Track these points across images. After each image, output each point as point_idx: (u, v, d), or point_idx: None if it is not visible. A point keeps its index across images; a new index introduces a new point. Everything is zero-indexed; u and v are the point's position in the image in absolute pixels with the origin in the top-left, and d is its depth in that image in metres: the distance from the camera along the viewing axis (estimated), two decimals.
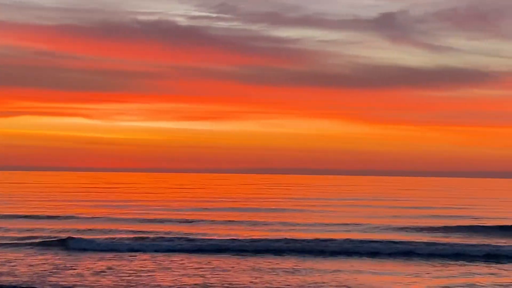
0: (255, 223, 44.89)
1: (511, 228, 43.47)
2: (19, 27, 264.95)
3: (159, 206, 61.61)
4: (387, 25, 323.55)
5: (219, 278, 24.91)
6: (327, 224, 44.89)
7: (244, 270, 26.93)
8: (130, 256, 30.31)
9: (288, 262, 29.21)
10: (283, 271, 26.89)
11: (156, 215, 50.20)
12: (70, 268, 26.75)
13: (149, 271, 26.36)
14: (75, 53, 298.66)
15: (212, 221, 46.15)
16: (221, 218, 48.36)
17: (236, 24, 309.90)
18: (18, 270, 26.04)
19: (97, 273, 25.56)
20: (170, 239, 34.66)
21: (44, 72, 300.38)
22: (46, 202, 64.78)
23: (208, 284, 23.73)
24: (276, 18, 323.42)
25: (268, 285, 23.86)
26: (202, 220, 46.42)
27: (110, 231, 38.60)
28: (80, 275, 25.17)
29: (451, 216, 53.90)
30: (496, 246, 34.06)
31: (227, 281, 24.43)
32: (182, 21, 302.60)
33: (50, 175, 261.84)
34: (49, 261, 28.58)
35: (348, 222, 46.22)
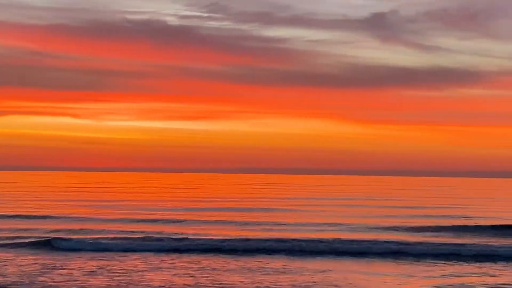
0: (246, 223, 44.81)
1: (502, 228, 43.51)
2: (8, 26, 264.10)
3: (149, 206, 61.45)
4: (378, 25, 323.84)
5: (209, 278, 24.83)
6: (317, 224, 44.84)
7: (234, 270, 26.85)
8: (121, 256, 30.20)
9: (278, 262, 29.14)
10: (274, 270, 26.82)
11: (146, 215, 50.07)
12: (60, 268, 26.63)
13: (139, 271, 26.26)
14: (64, 52, 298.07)
15: (203, 221, 46.05)
16: (212, 218, 48.26)
17: (226, 24, 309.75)
18: (8, 270, 25.89)
19: (87, 273, 25.45)
20: (161, 239, 34.57)
21: (33, 71, 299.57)
22: (35, 202, 64.56)
23: (199, 284, 23.64)
24: (266, 18, 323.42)
25: (258, 284, 23.78)
26: (193, 220, 46.32)
27: (101, 231, 38.44)
28: (70, 275, 25.05)
29: (441, 216, 53.91)
30: (487, 245, 34.07)
31: (218, 281, 24.35)
32: (172, 21, 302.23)
33: (39, 174, 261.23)
34: (38, 261, 28.45)
35: (339, 222, 46.19)
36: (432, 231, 41.83)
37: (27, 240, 34.25)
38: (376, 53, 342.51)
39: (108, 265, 27.42)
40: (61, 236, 35.20)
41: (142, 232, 37.86)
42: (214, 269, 27.06)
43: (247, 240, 34.36)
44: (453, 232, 41.77)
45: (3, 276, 24.64)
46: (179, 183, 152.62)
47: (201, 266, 27.79)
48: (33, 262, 28.13)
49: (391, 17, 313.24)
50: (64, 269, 26.40)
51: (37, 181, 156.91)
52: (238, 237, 35.36)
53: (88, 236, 35.82)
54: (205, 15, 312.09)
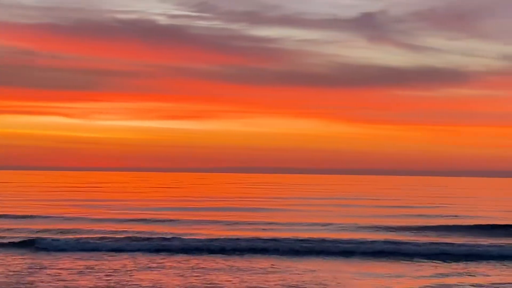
0: (236, 223, 44.74)
1: (491, 227, 43.56)
2: None
3: (139, 205, 61.33)
4: (367, 24, 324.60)
5: (199, 278, 24.77)
6: (308, 224, 44.80)
7: (224, 269, 26.79)
8: (109, 256, 30.10)
9: (268, 261, 29.09)
10: (263, 270, 26.78)
11: (136, 214, 49.96)
12: (47, 268, 26.48)
13: (128, 270, 26.16)
14: (54, 51, 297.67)
15: (193, 220, 45.97)
16: (202, 217, 48.18)
17: (216, 23, 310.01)
18: None
19: (75, 273, 25.32)
20: (150, 239, 34.48)
21: (23, 70, 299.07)
22: (23, 202, 64.31)
23: (188, 284, 23.56)
24: (256, 17, 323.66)
25: (247, 284, 23.72)
26: (183, 220, 46.23)
27: (90, 231, 38.34)
28: (57, 275, 24.92)
29: (431, 215, 53.94)
30: (477, 245, 34.08)
31: (207, 280, 24.28)
32: (162, 20, 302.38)
33: (30, 174, 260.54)
34: (25, 261, 28.32)
35: (329, 222, 46.15)
36: (422, 231, 41.85)
37: (11, 240, 34.04)
38: (365, 52, 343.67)
39: (96, 265, 27.31)
40: (45, 236, 35.00)
41: (131, 231, 37.76)
42: (203, 268, 26.99)
43: (237, 239, 34.29)
44: (443, 231, 41.81)
45: None
46: (169, 183, 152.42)
47: (190, 265, 27.73)
48: (19, 262, 27.98)
49: (380, 17, 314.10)
50: (52, 269, 26.28)
51: (27, 180, 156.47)
52: (227, 237, 35.29)
53: (76, 236, 35.68)
54: (194, 14, 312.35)
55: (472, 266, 28.81)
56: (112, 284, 23.32)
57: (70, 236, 35.53)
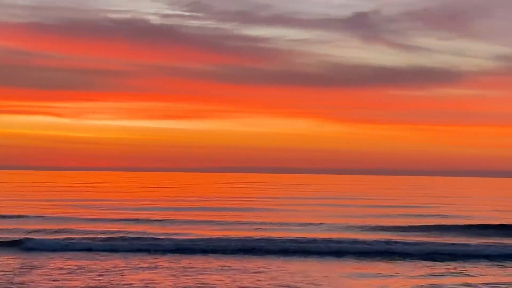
0: (228, 223, 44.70)
1: (484, 227, 43.58)
2: None
3: (131, 205, 61.22)
4: (359, 24, 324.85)
5: (191, 278, 24.70)
6: (300, 224, 44.75)
7: (215, 269, 26.73)
8: (101, 256, 30.04)
9: (259, 261, 29.05)
10: (255, 270, 26.72)
11: (128, 214, 49.86)
12: (38, 267, 26.38)
13: (119, 270, 26.07)
14: (45, 51, 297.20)
15: (185, 220, 45.89)
16: (194, 217, 48.12)
17: (208, 23, 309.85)
18: None
19: (66, 273, 25.22)
20: (141, 239, 34.36)
21: (13, 70, 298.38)
22: (15, 202, 64.14)
23: (180, 284, 23.50)
24: (248, 17, 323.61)
25: (239, 284, 23.65)
26: (175, 220, 46.15)
27: (81, 231, 38.22)
28: (49, 275, 24.82)
29: (424, 215, 53.97)
30: (469, 245, 34.08)
31: (199, 280, 24.22)
32: (154, 20, 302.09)
33: (20, 174, 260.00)
34: (14, 261, 28.20)
35: (322, 222, 46.11)
36: (415, 230, 41.84)
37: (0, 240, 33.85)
38: (358, 52, 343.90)
39: (88, 265, 27.22)
40: (36, 237, 34.79)
41: (123, 231, 37.66)
42: (195, 268, 26.93)
43: (229, 239, 34.23)
44: (435, 231, 41.82)
45: None
46: (162, 183, 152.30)
47: (182, 265, 27.67)
48: (8, 262, 27.85)
49: (372, 17, 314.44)
50: (43, 269, 26.17)
51: (18, 180, 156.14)
52: (220, 237, 35.22)
53: (67, 236, 35.53)
54: (187, 14, 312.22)
55: (464, 266, 28.79)
56: (104, 284, 23.24)
57: (61, 236, 35.39)
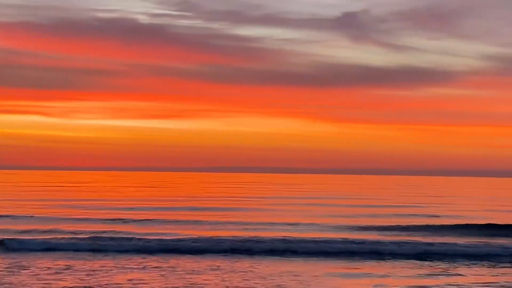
0: (217, 223, 44.63)
1: (475, 227, 43.62)
2: None
3: (118, 205, 61.06)
4: (349, 24, 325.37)
5: (180, 278, 24.62)
6: (290, 224, 44.70)
7: (204, 270, 26.66)
8: (89, 256, 29.91)
9: (248, 262, 29.00)
10: (244, 270, 26.65)
11: (116, 214, 49.72)
12: (26, 267, 26.23)
13: (108, 271, 25.96)
14: (33, 50, 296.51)
15: (173, 220, 45.78)
16: (182, 217, 48.01)
17: (197, 22, 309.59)
18: None
19: (54, 273, 25.09)
20: (129, 239, 34.21)
21: (2, 69, 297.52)
22: (1, 202, 63.84)
23: (169, 284, 23.41)
24: (238, 17, 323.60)
25: (228, 284, 23.57)
26: (163, 220, 46.03)
27: (69, 231, 38.03)
28: (36, 275, 24.69)
29: (413, 215, 54.00)
30: (457, 244, 34.09)
31: (188, 280, 24.15)
32: (143, 19, 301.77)
33: (7, 173, 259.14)
34: (4, 261, 28.04)
35: (312, 222, 46.08)
36: (406, 230, 41.82)
37: None
38: (347, 52, 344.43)
39: (75, 265, 27.09)
40: (25, 237, 34.58)
41: (111, 231, 37.53)
42: (183, 268, 26.85)
43: (218, 239, 34.14)
44: (426, 231, 41.82)
45: None
46: (150, 182, 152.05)
47: (171, 265, 27.58)
48: None
49: (362, 16, 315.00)
50: (31, 269, 26.03)
51: (5, 180, 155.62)
52: (208, 237, 35.13)
53: (54, 236, 35.31)
54: (176, 13, 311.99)
55: (454, 266, 28.80)
56: (92, 284, 23.13)
57: (49, 236, 35.22)
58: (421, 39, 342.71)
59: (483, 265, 29.23)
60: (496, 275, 26.62)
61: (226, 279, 24.65)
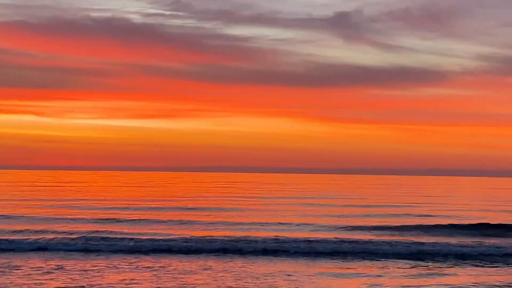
0: (209, 223, 44.54)
1: (465, 227, 43.64)
2: None
3: (110, 205, 60.91)
4: (341, 24, 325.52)
5: (172, 278, 24.55)
6: (282, 223, 44.63)
7: (196, 270, 26.59)
8: (80, 256, 29.85)
9: (240, 262, 28.94)
10: (235, 270, 26.60)
11: (107, 214, 49.59)
12: (19, 267, 26.11)
13: (99, 271, 25.87)
14: (26, 50, 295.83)
15: (165, 220, 45.67)
16: (174, 217, 47.90)
17: (190, 22, 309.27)
18: None
19: (45, 273, 24.99)
20: (121, 239, 34.10)
21: None
22: None
23: (161, 284, 23.34)
24: (230, 16, 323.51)
25: (220, 284, 23.51)
26: (155, 220, 45.92)
27: (61, 232, 37.88)
28: (28, 275, 24.58)
29: (405, 215, 54.01)
30: (448, 244, 34.09)
31: (180, 281, 24.08)
32: (136, 18, 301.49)
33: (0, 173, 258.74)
34: None
35: (304, 222, 46.03)
36: (398, 230, 41.79)
37: None
38: (340, 52, 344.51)
39: (67, 265, 26.99)
40: (14, 238, 34.45)
41: (103, 231, 37.40)
42: (176, 268, 26.79)
43: (210, 239, 34.07)
44: (418, 230, 41.81)
45: None
46: (142, 182, 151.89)
47: (163, 265, 27.51)
48: None
49: (354, 16, 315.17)
50: (22, 269, 25.93)
51: None
52: (200, 237, 35.04)
53: (41, 236, 35.09)
54: (168, 13, 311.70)
55: (446, 266, 28.80)
56: (84, 284, 23.04)
57: (40, 236, 35.08)
58: (414, 39, 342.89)
59: (476, 265, 29.23)
60: (489, 275, 26.61)
61: (219, 279, 24.59)
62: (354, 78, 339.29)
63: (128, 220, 45.40)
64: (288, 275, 25.73)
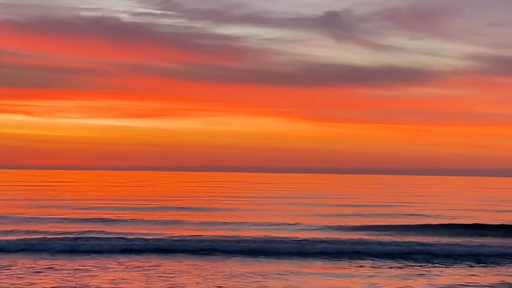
0: (200, 223, 44.49)
1: (454, 226, 43.66)
2: None
3: (100, 204, 60.74)
4: (332, 23, 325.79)
5: (161, 278, 24.47)
6: (271, 224, 44.55)
7: (188, 270, 26.50)
8: (70, 256, 29.73)
9: (231, 262, 28.89)
10: (226, 271, 26.51)
11: (97, 214, 49.43)
12: (6, 268, 25.98)
13: (89, 271, 25.76)
14: (15, 49, 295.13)
15: (155, 220, 45.55)
16: (164, 217, 47.80)
17: (180, 21, 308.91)
18: None
19: (35, 273, 24.86)
20: (112, 239, 33.95)
21: None
22: None
23: (151, 284, 23.24)
24: (220, 16, 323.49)
25: (211, 283, 23.42)
26: (145, 220, 45.80)
27: (50, 232, 37.74)
28: (17, 275, 24.45)
29: (395, 215, 54.03)
30: (439, 244, 34.11)
31: (171, 281, 24.00)
32: (125, 18, 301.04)
33: None
34: None
35: (294, 222, 45.95)
36: (390, 230, 41.74)
37: None
38: (330, 51, 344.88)
39: (57, 265, 26.87)
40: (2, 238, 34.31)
41: (92, 231, 37.25)
42: (165, 268, 26.69)
43: (200, 239, 33.98)
44: (411, 230, 41.78)
45: None
46: (132, 182, 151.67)
47: (153, 265, 27.42)
48: None
49: (344, 16, 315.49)
50: (11, 269, 25.80)
51: None
52: (190, 236, 34.96)
53: (32, 236, 34.91)
54: (158, 12, 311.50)
55: (435, 266, 28.77)
56: (74, 284, 22.93)
57: (29, 236, 34.89)
58: (404, 38, 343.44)
59: (466, 265, 29.21)
60: (479, 275, 26.59)
61: (209, 278, 24.50)
62: (344, 77, 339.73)
63: (118, 220, 45.25)
64: (278, 274, 25.66)
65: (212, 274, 25.50)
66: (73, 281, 23.50)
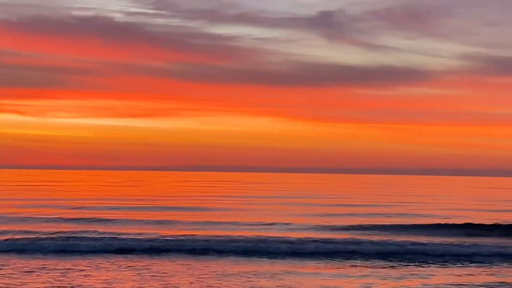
0: (193, 222, 44.38)
1: (453, 227, 43.61)
2: None
3: (92, 204, 60.62)
4: (325, 23, 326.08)
5: (154, 278, 24.40)
6: (264, 223, 44.48)
7: (181, 270, 26.43)
8: (62, 255, 29.63)
9: (224, 262, 28.84)
10: (219, 271, 26.46)
11: (89, 213, 49.31)
12: None
13: (81, 271, 25.66)
14: (8, 48, 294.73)
15: (148, 220, 45.45)
16: (157, 217, 47.69)
17: (174, 21, 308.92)
18: None
19: (27, 273, 24.75)
20: (105, 239, 33.82)
21: None
22: None
23: (143, 284, 23.17)
24: (214, 15, 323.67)
25: (204, 284, 23.35)
26: (138, 220, 45.71)
27: (43, 232, 37.60)
28: (9, 275, 24.35)
29: (387, 214, 54.02)
30: (431, 244, 34.08)
31: (164, 281, 23.92)
32: (119, 17, 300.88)
33: None
34: None
35: (287, 221, 45.91)
36: (384, 230, 41.69)
37: None
38: (323, 51, 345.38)
39: (49, 265, 26.76)
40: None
41: (85, 231, 37.14)
42: (159, 269, 26.61)
43: (193, 239, 33.90)
44: (404, 230, 41.72)
45: None
46: (125, 181, 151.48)
47: (146, 265, 27.34)
48: None
49: (338, 16, 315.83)
50: (2, 269, 25.70)
51: None
52: (184, 236, 34.87)
53: (23, 236, 34.75)
54: (152, 12, 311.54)
55: (427, 266, 28.75)
56: (66, 285, 22.84)
57: (21, 236, 34.74)
58: (397, 38, 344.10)
59: (460, 265, 29.19)
60: (472, 275, 26.56)
61: (202, 278, 24.43)
62: (338, 77, 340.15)
63: (112, 219, 45.14)
64: (272, 274, 25.59)
65: (206, 274, 25.44)
66: (65, 281, 23.40)
